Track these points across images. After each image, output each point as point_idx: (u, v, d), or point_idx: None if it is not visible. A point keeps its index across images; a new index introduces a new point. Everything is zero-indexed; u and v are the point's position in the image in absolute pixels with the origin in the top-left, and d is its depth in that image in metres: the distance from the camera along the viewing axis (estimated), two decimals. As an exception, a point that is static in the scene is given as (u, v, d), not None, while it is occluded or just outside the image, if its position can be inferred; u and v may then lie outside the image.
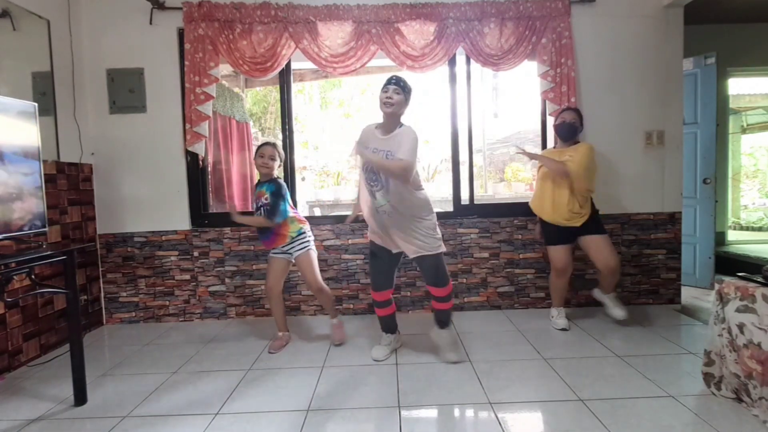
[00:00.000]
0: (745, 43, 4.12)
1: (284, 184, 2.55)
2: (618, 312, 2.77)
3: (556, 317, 2.85)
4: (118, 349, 2.70)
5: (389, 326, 2.46)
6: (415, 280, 3.20)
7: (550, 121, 3.16)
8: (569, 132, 2.72)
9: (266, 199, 2.50)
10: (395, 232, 2.24)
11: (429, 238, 2.24)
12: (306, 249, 2.57)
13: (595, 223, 2.73)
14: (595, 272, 3.20)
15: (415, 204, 2.23)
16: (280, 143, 2.71)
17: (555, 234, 2.75)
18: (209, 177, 3.37)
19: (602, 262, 2.68)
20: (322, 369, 2.29)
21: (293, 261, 2.60)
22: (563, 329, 2.77)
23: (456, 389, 2.02)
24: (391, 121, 2.20)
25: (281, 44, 2.99)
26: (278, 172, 2.63)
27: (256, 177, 2.75)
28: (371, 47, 3.00)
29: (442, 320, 2.39)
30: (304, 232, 2.59)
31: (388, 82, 2.19)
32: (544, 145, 3.32)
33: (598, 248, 2.69)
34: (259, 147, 2.57)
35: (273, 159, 2.54)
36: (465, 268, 3.22)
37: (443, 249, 2.30)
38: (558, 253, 2.74)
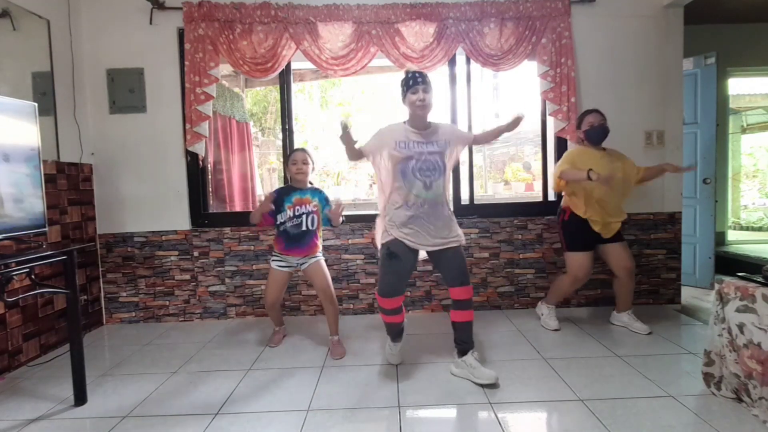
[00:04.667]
0: (745, 43, 4.12)
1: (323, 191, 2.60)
2: (642, 326, 2.65)
3: (547, 316, 2.81)
4: (118, 349, 2.70)
5: (398, 333, 2.27)
6: (415, 280, 3.20)
7: (551, 121, 3.17)
8: (603, 134, 2.61)
9: (315, 207, 2.50)
10: (432, 225, 2.12)
11: (457, 228, 2.20)
12: (319, 257, 2.57)
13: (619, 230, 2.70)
14: (594, 272, 3.20)
15: (446, 194, 2.22)
16: (311, 149, 2.74)
17: (581, 239, 2.64)
18: (209, 177, 3.37)
19: (620, 264, 2.64)
20: (322, 369, 2.29)
21: (299, 272, 2.60)
22: (555, 330, 2.73)
23: (456, 389, 2.02)
24: (424, 120, 2.14)
25: (281, 45, 2.99)
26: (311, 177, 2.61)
27: (274, 181, 2.74)
28: (371, 49, 3.00)
29: (467, 340, 2.15)
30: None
31: (415, 81, 2.06)
32: (543, 145, 3.32)
33: (619, 254, 2.65)
34: (291, 154, 2.58)
35: (306, 163, 2.51)
36: (465, 268, 3.21)
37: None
38: (582, 261, 2.63)
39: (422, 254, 2.23)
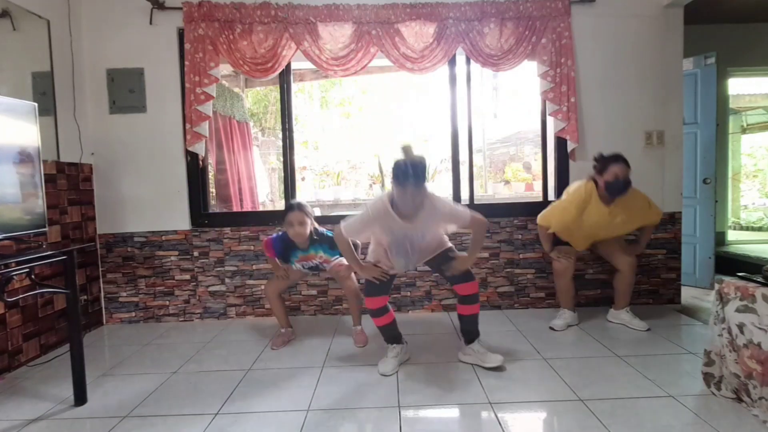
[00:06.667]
0: (745, 43, 4.11)
1: (327, 233, 2.52)
2: (641, 323, 2.69)
3: (557, 317, 2.81)
4: (118, 349, 2.70)
5: (393, 336, 2.30)
6: (415, 280, 3.20)
7: (551, 121, 3.16)
8: (624, 189, 2.50)
9: (321, 258, 2.59)
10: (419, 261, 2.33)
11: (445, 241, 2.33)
12: (338, 257, 2.58)
13: None
14: (594, 272, 3.20)
15: (439, 246, 2.32)
16: (308, 208, 2.53)
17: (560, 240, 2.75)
18: (209, 177, 3.37)
19: (621, 259, 2.70)
20: (322, 369, 2.29)
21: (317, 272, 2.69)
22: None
23: (456, 389, 2.02)
24: (409, 210, 2.06)
25: (282, 45, 2.99)
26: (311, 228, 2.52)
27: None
28: (371, 49, 3.00)
29: (473, 330, 2.30)
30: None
31: (406, 179, 1.93)
32: (543, 145, 3.32)
33: (616, 247, 2.74)
34: (286, 214, 2.47)
35: (303, 224, 2.44)
36: (465, 268, 3.21)
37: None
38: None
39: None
